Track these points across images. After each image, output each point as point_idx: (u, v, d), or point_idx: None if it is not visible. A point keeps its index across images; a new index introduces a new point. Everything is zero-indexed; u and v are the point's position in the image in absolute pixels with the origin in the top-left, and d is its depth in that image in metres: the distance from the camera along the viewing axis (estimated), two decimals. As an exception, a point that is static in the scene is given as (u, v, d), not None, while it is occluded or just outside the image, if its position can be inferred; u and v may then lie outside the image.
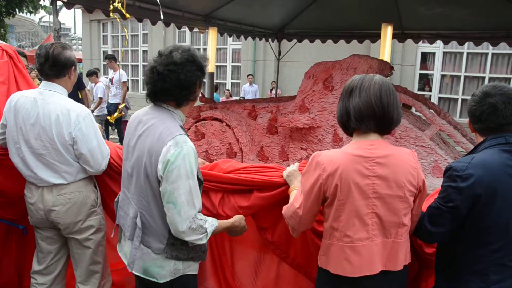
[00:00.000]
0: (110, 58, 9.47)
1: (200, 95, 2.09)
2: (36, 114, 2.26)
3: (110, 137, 11.51)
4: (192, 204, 1.80)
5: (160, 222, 1.87)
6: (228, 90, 13.39)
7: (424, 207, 1.85)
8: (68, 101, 2.34)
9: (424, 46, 11.20)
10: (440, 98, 11.67)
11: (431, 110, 4.80)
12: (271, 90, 12.67)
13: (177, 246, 1.89)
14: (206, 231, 1.87)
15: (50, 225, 2.44)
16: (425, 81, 11.87)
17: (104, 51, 17.85)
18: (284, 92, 12.14)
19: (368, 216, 1.67)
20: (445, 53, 11.47)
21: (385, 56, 6.53)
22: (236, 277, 2.69)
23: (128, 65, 17.33)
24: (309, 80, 5.03)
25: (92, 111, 10.16)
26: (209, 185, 2.27)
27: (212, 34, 6.78)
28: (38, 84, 2.57)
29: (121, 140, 8.99)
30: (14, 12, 11.22)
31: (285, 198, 2.12)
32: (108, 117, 7.46)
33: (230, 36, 10.73)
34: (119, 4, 3.80)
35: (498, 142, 1.71)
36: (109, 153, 2.44)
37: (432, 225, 1.76)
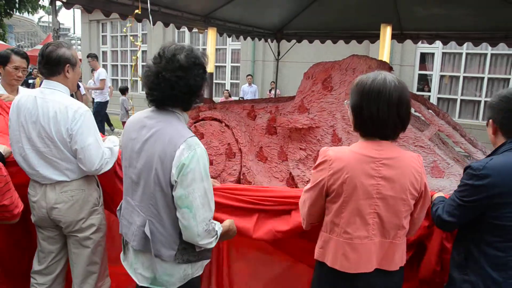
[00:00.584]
0: (93, 57, 9.65)
1: None
2: (37, 112, 2.28)
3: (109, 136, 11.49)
4: (208, 206, 1.78)
5: (171, 229, 1.83)
6: (227, 90, 13.40)
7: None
8: (66, 98, 2.34)
9: (423, 47, 11.21)
10: (439, 99, 11.68)
11: (430, 111, 4.80)
12: (270, 91, 12.67)
13: (188, 250, 1.86)
14: (217, 234, 1.86)
15: (52, 224, 2.44)
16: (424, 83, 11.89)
17: (103, 51, 17.86)
18: (283, 93, 12.14)
19: (369, 215, 1.69)
20: (444, 54, 11.48)
21: (384, 56, 6.53)
22: (232, 279, 2.69)
23: (127, 65, 17.34)
24: (308, 81, 5.03)
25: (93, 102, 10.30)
26: (242, 204, 2.27)
27: (211, 34, 6.78)
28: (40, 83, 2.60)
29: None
30: (12, 12, 11.21)
31: None
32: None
33: (229, 37, 10.73)
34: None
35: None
36: (111, 157, 2.42)
37: (447, 215, 1.82)
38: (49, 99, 2.30)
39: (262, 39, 8.87)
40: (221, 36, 8.58)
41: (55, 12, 4.33)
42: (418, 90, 11.76)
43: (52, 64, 2.35)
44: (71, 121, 2.26)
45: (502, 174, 1.68)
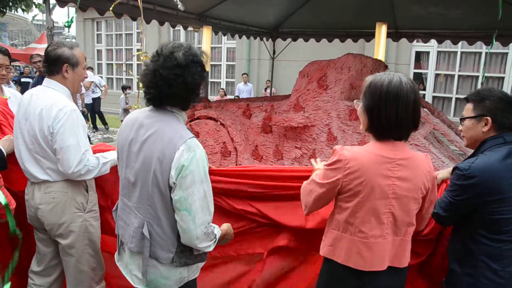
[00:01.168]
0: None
1: None
2: (29, 109, 2.28)
3: (104, 135, 11.48)
4: (207, 209, 1.75)
5: (170, 231, 1.79)
6: (222, 89, 13.38)
7: None
8: (57, 96, 2.30)
9: (418, 45, 11.23)
10: (434, 97, 11.72)
11: (425, 109, 4.81)
12: (265, 89, 12.66)
13: (186, 253, 1.83)
14: (216, 237, 1.83)
15: (42, 225, 2.40)
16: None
17: (98, 50, 17.79)
18: (279, 91, 12.14)
19: (385, 215, 1.72)
20: (439, 52, 11.51)
21: (380, 55, 6.54)
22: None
23: (122, 64, 17.27)
24: (304, 79, 5.03)
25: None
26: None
27: (206, 33, 6.76)
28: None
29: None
30: (5, 10, 11.13)
31: None
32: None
33: (224, 35, 10.69)
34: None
35: (497, 143, 1.90)
36: (96, 168, 2.31)
37: (443, 211, 1.91)
38: (42, 97, 2.29)
39: (258, 38, 8.85)
40: (216, 35, 8.57)
41: (49, 10, 4.30)
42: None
43: (50, 63, 2.33)
44: (53, 119, 2.22)
45: (487, 172, 1.79)
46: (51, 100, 2.26)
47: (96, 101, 11.68)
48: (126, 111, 10.37)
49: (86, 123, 10.53)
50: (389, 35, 7.07)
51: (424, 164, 1.77)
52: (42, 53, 3.61)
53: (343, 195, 1.76)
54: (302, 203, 1.94)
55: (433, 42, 9.29)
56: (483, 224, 1.84)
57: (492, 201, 1.79)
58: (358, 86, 4.86)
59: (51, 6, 4.32)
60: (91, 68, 12.06)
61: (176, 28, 7.80)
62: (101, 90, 11.67)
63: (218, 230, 1.87)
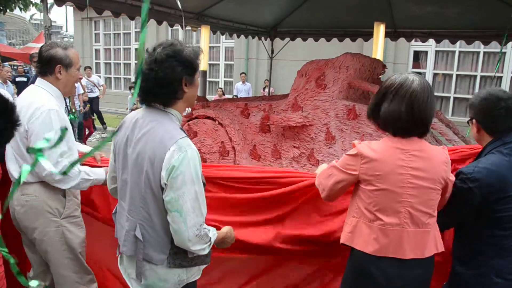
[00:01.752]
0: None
1: None
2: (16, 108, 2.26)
3: (103, 135, 11.47)
4: (199, 211, 1.70)
5: (163, 233, 1.76)
6: (221, 88, 13.37)
7: None
8: (40, 96, 2.24)
9: (417, 45, 11.25)
10: (432, 97, 11.71)
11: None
12: (264, 89, 12.65)
13: (180, 255, 1.79)
14: (210, 240, 1.79)
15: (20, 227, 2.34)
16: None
17: (96, 49, 17.77)
18: (277, 91, 12.13)
19: (401, 204, 1.78)
20: (437, 52, 11.52)
21: (378, 54, 6.55)
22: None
23: (120, 63, 17.25)
24: (302, 79, 5.03)
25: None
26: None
27: (204, 32, 6.75)
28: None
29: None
30: (2, 8, 11.10)
31: None
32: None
33: (222, 34, 10.71)
34: None
35: (496, 145, 1.98)
36: (76, 178, 2.23)
37: (446, 217, 1.98)
38: (27, 96, 2.26)
39: (256, 37, 8.85)
40: (214, 34, 8.56)
41: (46, 9, 4.30)
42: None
43: (43, 64, 2.30)
44: (29, 117, 2.16)
45: (490, 174, 1.88)
46: (32, 99, 2.21)
47: (94, 100, 11.66)
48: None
49: (91, 122, 10.45)
50: (387, 34, 7.07)
51: (441, 155, 1.84)
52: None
53: (362, 184, 1.86)
54: (319, 187, 2.05)
55: (431, 41, 9.29)
56: (488, 223, 1.92)
57: (496, 200, 1.87)
58: (356, 86, 4.86)
59: (48, 5, 4.31)
60: (89, 68, 12.04)
61: (174, 27, 7.78)
62: (99, 90, 11.65)
63: (213, 233, 1.83)
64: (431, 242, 1.86)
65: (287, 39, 8.67)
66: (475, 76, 11.09)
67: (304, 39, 8.55)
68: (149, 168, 1.69)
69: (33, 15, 40.42)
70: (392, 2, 6.45)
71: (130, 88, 11.01)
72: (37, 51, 3.31)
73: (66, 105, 2.43)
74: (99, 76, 15.65)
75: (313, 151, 4.87)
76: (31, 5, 11.95)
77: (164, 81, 1.70)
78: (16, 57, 15.55)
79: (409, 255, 1.81)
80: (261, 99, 5.96)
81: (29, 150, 2.08)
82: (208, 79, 14.55)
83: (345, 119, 4.69)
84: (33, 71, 11.97)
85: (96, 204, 2.62)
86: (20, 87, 7.93)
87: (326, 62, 4.91)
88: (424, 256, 1.84)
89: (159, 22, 6.26)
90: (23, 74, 11.14)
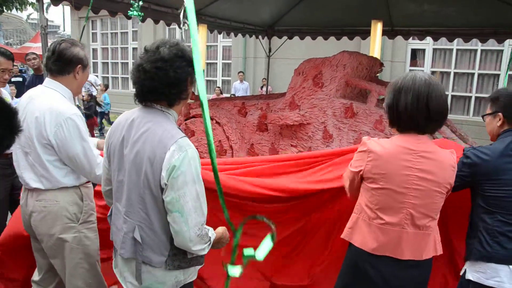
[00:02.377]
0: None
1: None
2: (27, 110, 2.16)
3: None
4: (200, 210, 1.69)
5: (162, 234, 1.74)
6: (218, 87, 13.35)
7: None
8: (58, 100, 2.18)
9: (414, 43, 11.24)
10: (430, 95, 11.71)
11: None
12: (261, 87, 12.65)
13: (179, 256, 1.77)
14: (210, 240, 1.77)
15: (34, 233, 2.29)
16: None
17: (93, 49, 17.72)
18: (275, 89, 12.12)
19: (403, 204, 1.78)
20: (434, 50, 11.52)
21: (375, 52, 6.55)
22: None
23: (118, 62, 17.22)
24: (299, 77, 5.02)
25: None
26: None
27: (202, 31, 6.74)
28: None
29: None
30: (1, 8, 11.06)
31: None
32: None
33: (220, 33, 10.69)
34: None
35: (508, 135, 2.13)
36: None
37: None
38: (42, 99, 2.17)
39: (253, 36, 8.83)
40: (211, 33, 8.53)
41: (42, 8, 4.28)
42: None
43: (64, 63, 2.20)
44: (53, 125, 2.11)
45: (484, 155, 2.05)
46: (49, 104, 2.13)
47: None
48: None
49: (96, 120, 10.39)
50: (384, 32, 7.07)
51: (449, 159, 1.84)
52: (38, 52, 3.59)
53: (365, 181, 1.87)
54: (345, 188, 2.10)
55: (428, 39, 9.29)
56: (481, 200, 2.07)
57: (485, 181, 2.04)
58: (354, 84, 4.86)
59: (45, 5, 4.29)
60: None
61: (172, 26, 7.76)
62: (96, 89, 11.63)
63: (212, 233, 1.82)
64: (430, 245, 1.86)
65: (285, 37, 8.67)
66: (473, 74, 11.09)
67: (302, 38, 8.54)
68: (148, 168, 1.66)
69: (30, 14, 40.35)
70: (390, 0, 6.45)
71: None
72: (32, 51, 3.30)
73: (76, 105, 2.36)
74: (96, 76, 15.62)
75: (310, 149, 4.87)
76: (28, 5, 11.92)
77: (175, 81, 1.70)
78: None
79: (407, 256, 1.80)
80: (258, 98, 5.95)
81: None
82: (206, 78, 14.54)
83: (342, 117, 4.68)
84: (30, 71, 11.95)
85: None
86: (17, 87, 7.88)
87: (323, 60, 4.90)
88: (422, 258, 1.84)
89: (156, 21, 6.24)
90: (18, 74, 11.11)
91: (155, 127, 1.70)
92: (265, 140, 5.21)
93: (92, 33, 17.71)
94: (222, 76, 15.17)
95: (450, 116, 9.86)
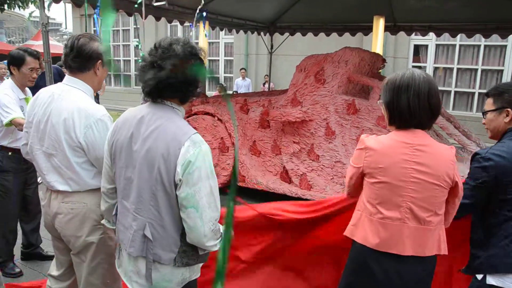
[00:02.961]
0: None
1: None
2: (50, 110, 2.10)
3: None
4: (214, 205, 1.70)
5: (173, 230, 1.73)
6: (221, 84, 13.33)
7: None
8: (84, 100, 2.12)
9: (417, 39, 11.20)
10: (433, 91, 11.66)
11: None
12: (264, 84, 12.63)
13: (188, 253, 1.77)
14: (221, 236, 1.77)
15: (58, 234, 2.26)
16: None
17: (95, 46, 17.73)
18: (278, 86, 12.11)
19: (402, 198, 1.79)
20: (437, 45, 11.47)
21: (378, 48, 6.52)
22: None
23: (120, 60, 17.23)
24: (301, 73, 5.00)
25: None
26: None
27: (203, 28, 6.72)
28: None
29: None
30: (3, 7, 11.06)
31: None
32: None
33: (222, 30, 10.66)
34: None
35: None
36: None
37: (464, 198, 1.97)
38: (66, 98, 2.10)
39: (255, 33, 8.81)
40: (213, 30, 8.51)
41: (43, 6, 4.26)
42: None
43: (84, 58, 2.12)
44: (83, 127, 2.06)
45: (503, 156, 1.95)
46: (79, 105, 2.08)
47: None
48: None
49: None
50: (387, 28, 7.04)
51: (446, 153, 1.84)
52: (40, 50, 3.58)
53: (366, 177, 1.88)
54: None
55: (431, 35, 9.25)
56: (501, 204, 1.98)
57: (507, 182, 1.94)
58: (356, 80, 4.84)
59: (46, 2, 4.29)
60: None
61: (173, 23, 7.76)
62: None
63: (222, 229, 1.81)
64: (434, 242, 1.84)
65: (287, 34, 8.65)
66: (476, 70, 11.04)
67: (304, 34, 8.52)
68: (161, 164, 1.66)
69: (32, 12, 40.36)
70: (392, -5, 6.43)
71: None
72: (35, 49, 3.30)
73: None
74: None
75: (313, 146, 4.86)
76: (30, 3, 11.91)
77: (193, 78, 1.73)
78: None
79: (409, 251, 1.80)
80: (260, 95, 5.94)
81: None
82: (208, 75, 14.50)
83: (344, 113, 4.67)
84: None
85: None
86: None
87: (325, 56, 4.89)
88: (424, 255, 1.82)
89: (157, 18, 6.23)
90: None
91: (167, 123, 1.70)
92: (267, 137, 5.20)
93: (94, 30, 17.69)
94: (224, 73, 15.16)
95: (453, 112, 9.83)
